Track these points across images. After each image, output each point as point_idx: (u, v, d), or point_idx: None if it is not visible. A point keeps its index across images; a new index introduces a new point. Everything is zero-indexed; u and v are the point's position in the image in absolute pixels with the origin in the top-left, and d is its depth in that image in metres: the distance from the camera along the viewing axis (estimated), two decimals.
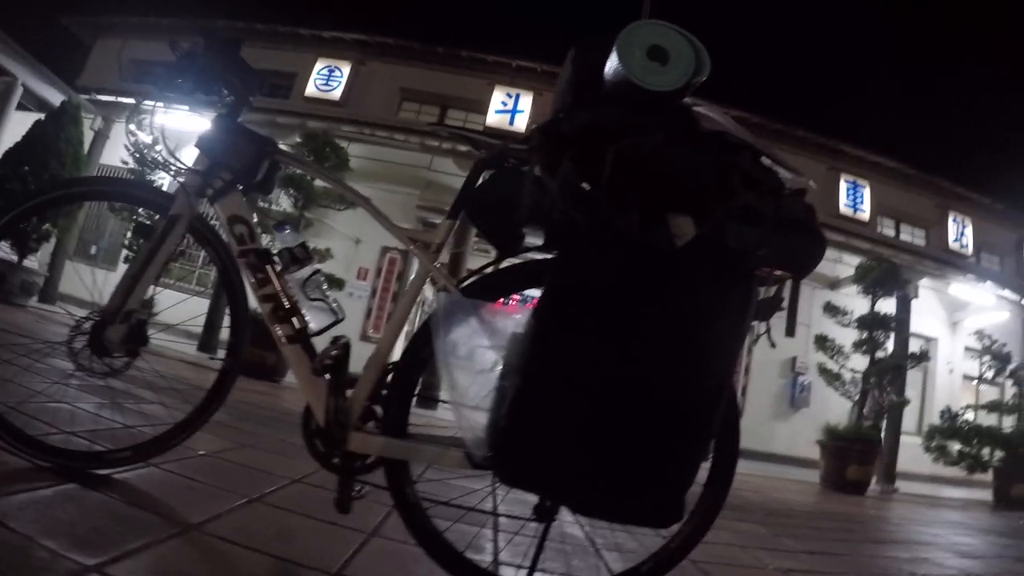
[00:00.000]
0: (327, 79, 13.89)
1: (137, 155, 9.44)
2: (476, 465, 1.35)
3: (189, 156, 1.73)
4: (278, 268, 1.65)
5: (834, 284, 13.08)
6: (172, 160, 1.76)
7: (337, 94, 13.75)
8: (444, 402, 1.34)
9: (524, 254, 1.41)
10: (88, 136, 11.67)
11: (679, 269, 1.17)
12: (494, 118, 13.30)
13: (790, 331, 1.30)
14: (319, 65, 13.97)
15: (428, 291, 1.50)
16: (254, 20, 14.11)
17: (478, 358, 1.33)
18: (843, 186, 13.79)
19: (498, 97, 13.49)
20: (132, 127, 9.08)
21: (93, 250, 13.52)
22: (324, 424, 1.46)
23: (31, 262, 8.91)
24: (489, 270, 1.49)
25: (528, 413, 1.20)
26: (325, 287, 1.69)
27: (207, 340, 9.44)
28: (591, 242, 1.18)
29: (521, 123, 13.02)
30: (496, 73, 13.81)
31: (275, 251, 1.67)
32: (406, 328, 1.49)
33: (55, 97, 13.52)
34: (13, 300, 8.32)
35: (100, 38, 15.41)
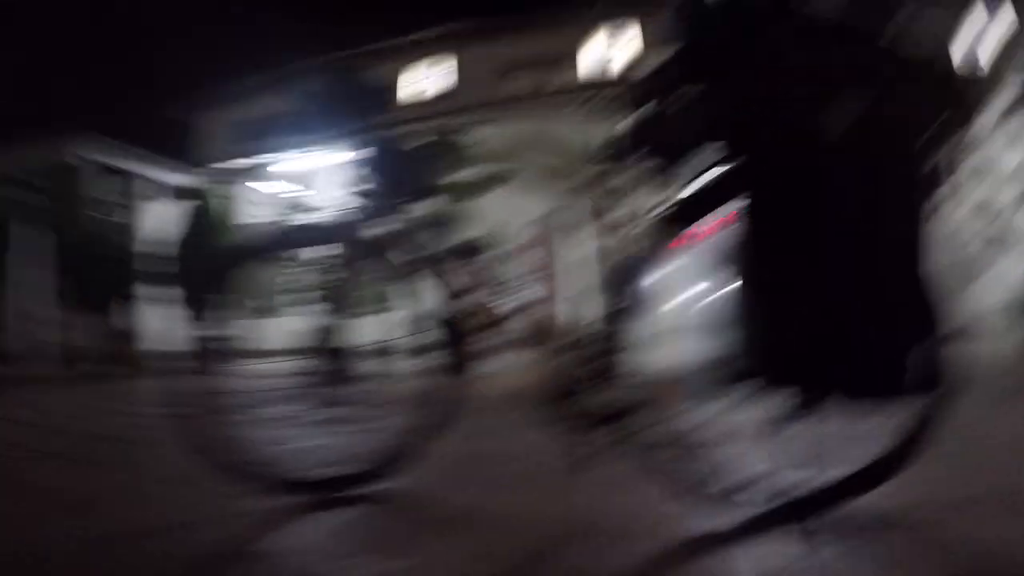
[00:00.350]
0: (431, 77, 14.18)
1: (281, 207, 10.04)
2: (715, 384, 1.32)
3: (327, 190, 1.79)
4: (455, 264, 1.70)
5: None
6: (326, 197, 1.84)
7: (444, 87, 14.01)
8: (659, 343, 1.33)
9: (696, 177, 1.37)
10: (226, 204, 12.62)
11: (848, 158, 1.17)
12: (599, 56, 12.99)
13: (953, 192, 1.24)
14: (423, 65, 14.32)
15: (610, 240, 1.49)
16: (348, 48, 14.52)
17: (690, 286, 1.32)
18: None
19: (599, 38, 13.16)
20: (262, 184, 9.66)
21: (255, 304, 14.56)
22: (548, 392, 1.50)
23: (219, 328, 9.73)
24: (670, 201, 1.45)
25: (772, 314, 1.23)
26: (501, 268, 1.72)
27: (407, 352, 9.91)
28: (768, 144, 1.20)
29: (624, 56, 12.61)
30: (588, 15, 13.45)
31: (445, 250, 1.72)
32: (596, 281, 1.49)
33: (180, 179, 14.54)
34: (218, 367, 9.15)
35: (211, 110, 16.10)
